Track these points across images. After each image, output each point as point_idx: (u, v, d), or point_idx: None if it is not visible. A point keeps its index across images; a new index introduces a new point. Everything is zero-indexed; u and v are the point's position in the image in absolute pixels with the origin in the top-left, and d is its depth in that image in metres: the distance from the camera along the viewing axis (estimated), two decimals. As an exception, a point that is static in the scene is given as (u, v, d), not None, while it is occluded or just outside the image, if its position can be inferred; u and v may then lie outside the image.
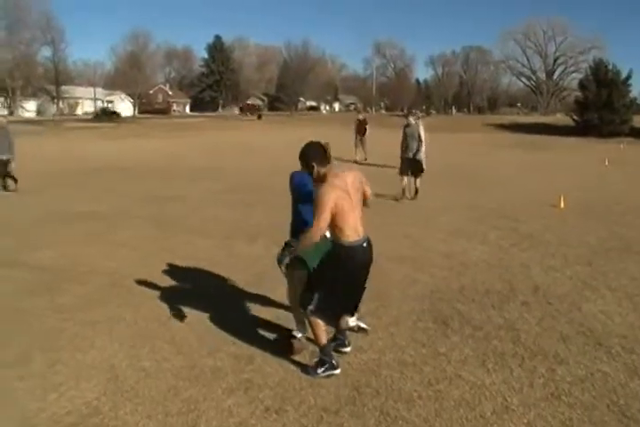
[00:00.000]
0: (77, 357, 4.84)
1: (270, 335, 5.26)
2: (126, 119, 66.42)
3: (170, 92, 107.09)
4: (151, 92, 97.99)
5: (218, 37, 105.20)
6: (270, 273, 6.43)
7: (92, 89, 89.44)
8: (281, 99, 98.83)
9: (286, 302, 5.35)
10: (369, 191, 4.60)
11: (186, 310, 5.82)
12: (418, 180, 13.13)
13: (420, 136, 12.88)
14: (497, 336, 5.21)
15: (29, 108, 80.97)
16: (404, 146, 13.13)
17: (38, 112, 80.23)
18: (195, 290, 6.61)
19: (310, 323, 4.52)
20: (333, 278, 4.37)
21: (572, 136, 41.32)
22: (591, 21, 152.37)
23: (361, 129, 22.44)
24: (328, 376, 4.47)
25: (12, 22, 74.48)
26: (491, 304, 6.07)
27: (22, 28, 74.64)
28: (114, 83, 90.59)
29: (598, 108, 43.99)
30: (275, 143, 31.33)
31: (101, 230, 9.72)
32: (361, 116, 23.35)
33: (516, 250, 8.41)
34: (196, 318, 5.66)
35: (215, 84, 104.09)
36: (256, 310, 5.91)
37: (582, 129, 44.14)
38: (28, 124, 51.47)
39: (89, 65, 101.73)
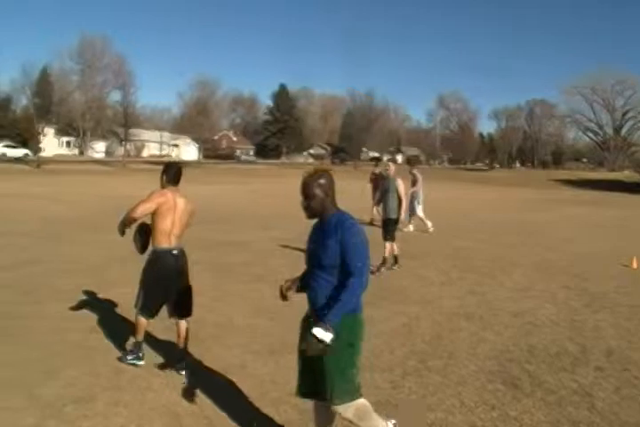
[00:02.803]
0: (138, 398, 4.82)
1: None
2: (191, 164, 67.98)
3: (234, 139, 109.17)
4: (216, 137, 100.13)
5: (283, 86, 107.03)
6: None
7: (158, 133, 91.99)
8: (344, 149, 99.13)
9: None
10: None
11: (253, 357, 5.74)
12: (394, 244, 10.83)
13: (398, 190, 10.74)
14: (571, 402, 4.94)
15: (99, 148, 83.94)
16: (384, 204, 10.99)
17: (106, 153, 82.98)
18: (259, 340, 6.52)
19: (136, 319, 5.57)
20: (149, 278, 5.50)
21: (640, 194, 40.48)
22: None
23: (378, 185, 16.95)
24: (131, 364, 5.45)
25: (85, 66, 78.15)
26: (563, 367, 5.80)
27: (95, 71, 78.14)
28: (180, 127, 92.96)
29: (670, 165, 43.24)
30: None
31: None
32: (377, 170, 18.44)
33: (587, 311, 8.08)
34: (268, 365, 5.55)
35: (279, 132, 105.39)
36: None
37: (652, 186, 43.32)
38: (98, 164, 52.89)
39: (156, 110, 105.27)
